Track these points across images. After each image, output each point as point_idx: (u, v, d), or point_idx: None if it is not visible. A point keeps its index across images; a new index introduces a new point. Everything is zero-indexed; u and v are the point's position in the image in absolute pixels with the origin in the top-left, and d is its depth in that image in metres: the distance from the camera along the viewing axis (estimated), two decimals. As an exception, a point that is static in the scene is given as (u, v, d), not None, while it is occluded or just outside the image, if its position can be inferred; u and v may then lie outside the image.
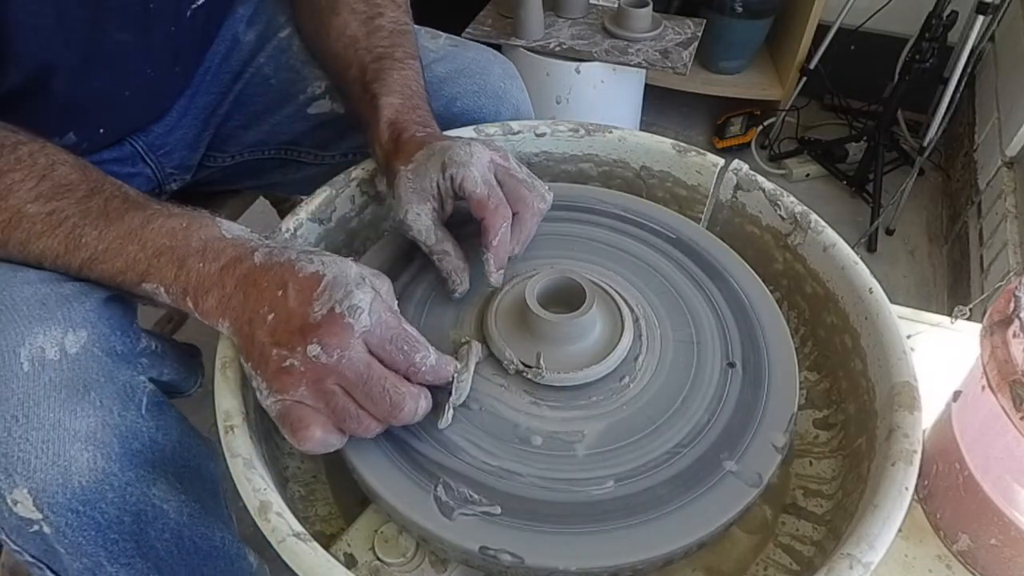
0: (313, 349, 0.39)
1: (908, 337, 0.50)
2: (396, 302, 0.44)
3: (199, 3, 0.62)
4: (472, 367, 0.47)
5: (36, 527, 0.42)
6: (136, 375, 0.46)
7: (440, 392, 0.45)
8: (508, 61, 0.74)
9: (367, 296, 0.40)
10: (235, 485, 0.41)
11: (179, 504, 0.48)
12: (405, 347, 0.41)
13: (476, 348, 0.48)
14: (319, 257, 0.42)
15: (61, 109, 0.57)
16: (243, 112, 0.71)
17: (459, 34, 1.47)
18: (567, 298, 0.49)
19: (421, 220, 0.51)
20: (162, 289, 0.43)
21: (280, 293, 0.40)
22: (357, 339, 0.39)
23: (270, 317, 0.40)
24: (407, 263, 0.57)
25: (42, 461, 0.41)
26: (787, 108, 1.76)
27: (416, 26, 0.71)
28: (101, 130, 0.63)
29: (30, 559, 0.45)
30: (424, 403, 0.42)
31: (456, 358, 0.46)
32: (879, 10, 1.60)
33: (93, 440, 0.42)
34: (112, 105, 0.61)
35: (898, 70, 1.53)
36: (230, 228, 0.45)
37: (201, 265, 0.42)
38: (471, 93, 0.69)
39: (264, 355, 0.40)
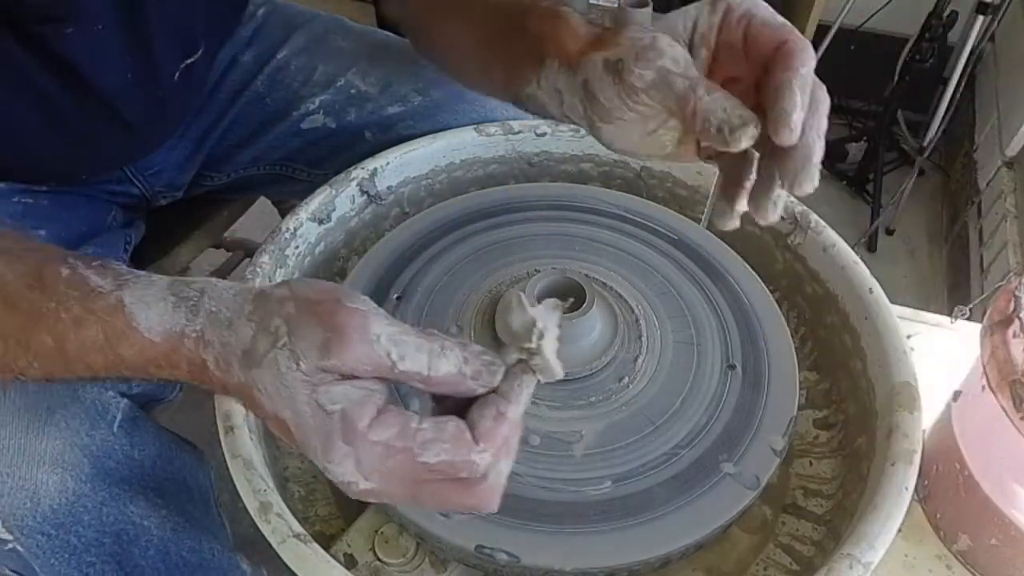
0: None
1: (908, 337, 0.50)
2: (401, 329, 0.31)
3: (194, 58, 0.59)
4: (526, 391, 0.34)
5: (10, 546, 0.42)
6: (103, 392, 0.45)
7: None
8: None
9: (344, 451, 0.29)
10: (233, 488, 0.41)
11: (161, 519, 0.47)
12: (444, 455, 0.30)
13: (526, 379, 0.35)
14: (262, 373, 0.31)
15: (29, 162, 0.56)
16: (238, 132, 0.71)
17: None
18: (567, 298, 0.49)
19: (675, 50, 0.36)
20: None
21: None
22: (387, 483, 0.30)
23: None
24: (407, 262, 0.57)
25: (8, 486, 0.40)
26: (787, 108, 1.76)
27: None
28: (83, 176, 0.62)
29: (10, 573, 0.45)
30: (504, 466, 0.32)
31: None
32: (879, 10, 1.59)
33: (61, 462, 0.42)
34: (88, 162, 0.60)
35: (898, 70, 1.53)
36: (147, 320, 0.34)
37: (169, 372, 0.34)
38: (467, 116, 0.67)
39: None
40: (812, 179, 0.33)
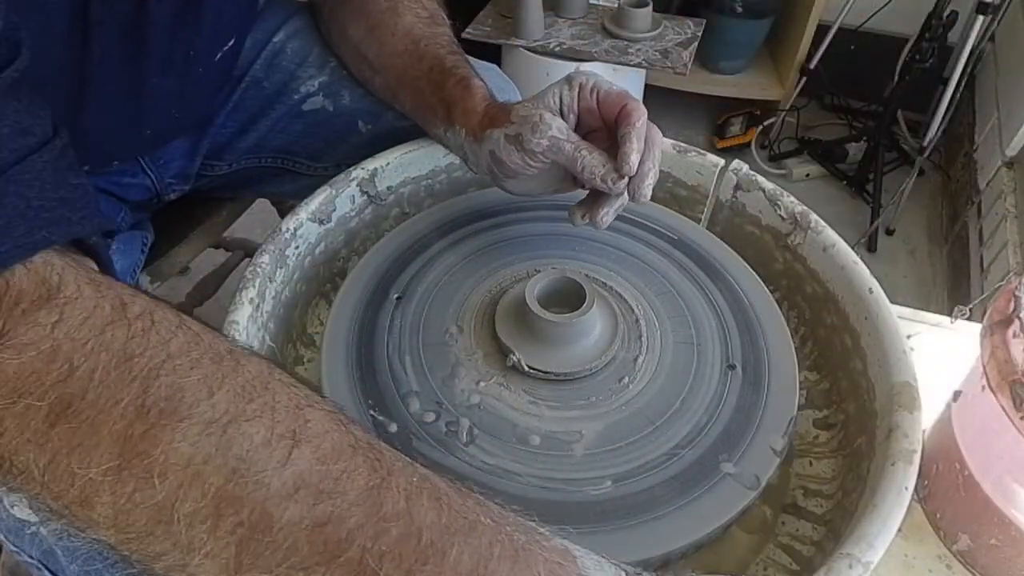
0: None
1: (908, 337, 0.50)
2: None
3: (228, 46, 0.63)
4: None
5: (33, 528, 0.42)
6: None
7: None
8: (503, 75, 0.74)
9: None
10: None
11: None
12: None
13: None
14: None
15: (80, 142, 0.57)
16: (238, 118, 0.71)
17: (459, 34, 1.47)
18: (567, 298, 0.49)
19: (557, 122, 0.49)
20: None
21: None
22: None
23: None
24: (409, 260, 0.57)
25: None
26: (787, 108, 1.76)
27: None
28: (115, 163, 0.63)
29: (29, 559, 0.45)
30: None
31: None
32: (879, 10, 1.60)
33: None
34: (133, 142, 0.61)
35: (898, 70, 1.53)
36: (595, 564, 0.32)
37: None
38: None
39: None
40: (646, 194, 0.48)
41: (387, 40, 0.64)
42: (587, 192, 0.54)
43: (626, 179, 0.47)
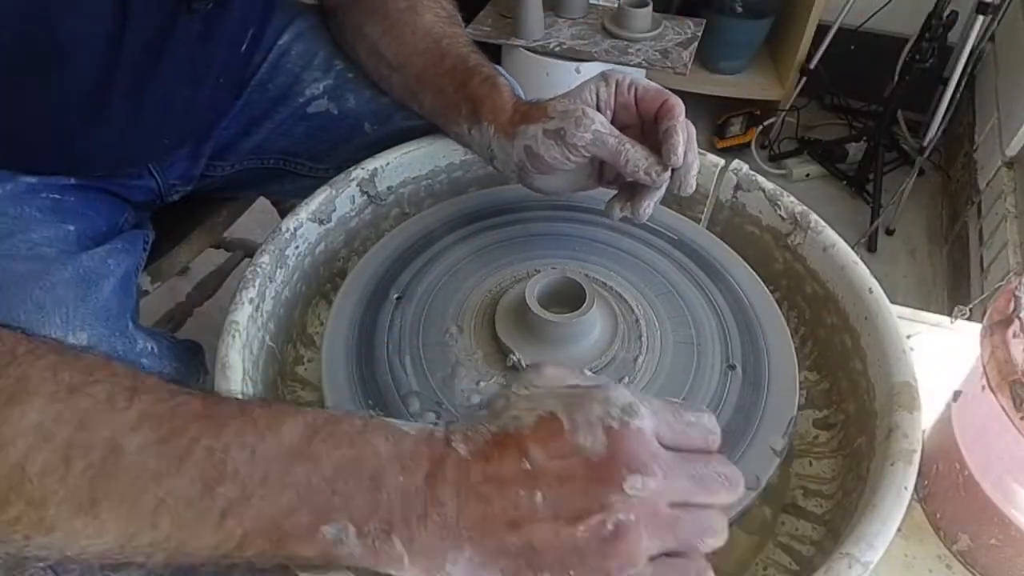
0: (633, 481, 0.30)
1: (908, 337, 0.50)
2: None
3: (242, 52, 0.64)
4: None
5: None
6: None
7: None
8: (509, 74, 0.74)
9: (627, 393, 0.33)
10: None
11: None
12: (691, 417, 0.34)
13: None
14: (510, 409, 0.33)
15: (98, 152, 0.59)
16: (242, 120, 0.71)
17: (459, 34, 1.47)
18: (567, 298, 0.49)
19: (599, 116, 0.50)
20: (352, 529, 0.30)
21: (525, 466, 0.31)
22: (653, 440, 0.32)
23: (539, 497, 0.30)
24: (409, 260, 0.57)
25: None
26: (787, 108, 1.76)
27: None
28: (129, 169, 0.65)
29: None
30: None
31: None
32: (879, 10, 1.60)
33: None
34: (148, 150, 0.63)
35: (898, 70, 1.53)
36: (404, 423, 0.34)
37: (401, 479, 0.30)
38: None
39: (569, 543, 0.30)
40: (692, 184, 0.50)
41: (407, 38, 0.64)
42: (617, 189, 0.54)
43: (668, 171, 0.48)
